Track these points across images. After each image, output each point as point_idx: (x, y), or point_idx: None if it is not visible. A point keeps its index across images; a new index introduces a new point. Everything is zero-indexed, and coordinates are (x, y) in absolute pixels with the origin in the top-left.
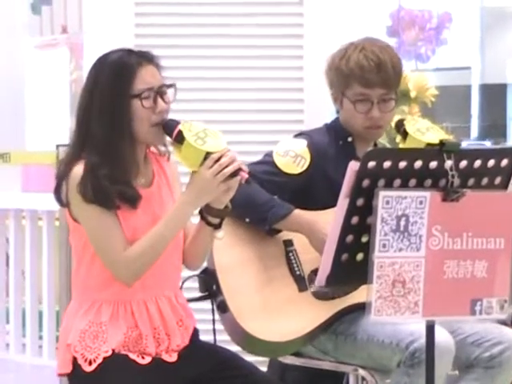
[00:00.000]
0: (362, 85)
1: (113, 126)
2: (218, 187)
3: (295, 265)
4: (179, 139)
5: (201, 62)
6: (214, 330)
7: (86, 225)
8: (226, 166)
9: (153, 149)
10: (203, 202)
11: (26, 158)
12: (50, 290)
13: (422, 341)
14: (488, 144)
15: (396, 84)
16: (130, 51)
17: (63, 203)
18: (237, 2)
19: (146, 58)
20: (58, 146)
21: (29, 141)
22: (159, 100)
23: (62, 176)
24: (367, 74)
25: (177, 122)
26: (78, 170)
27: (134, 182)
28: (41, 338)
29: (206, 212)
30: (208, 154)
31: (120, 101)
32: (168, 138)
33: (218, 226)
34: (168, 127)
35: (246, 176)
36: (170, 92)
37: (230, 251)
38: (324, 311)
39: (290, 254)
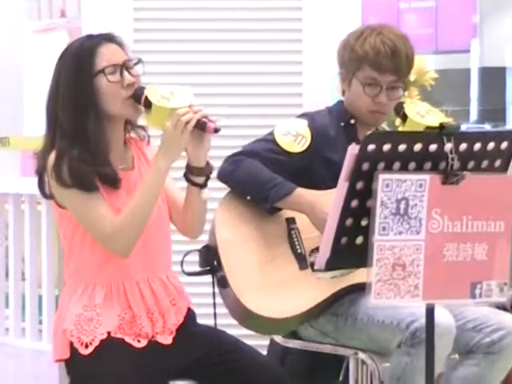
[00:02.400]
0: (374, 69)
1: (76, 107)
2: (182, 137)
3: (297, 243)
4: (147, 104)
5: (200, 46)
6: (215, 314)
7: (72, 208)
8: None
9: (133, 135)
10: (174, 156)
11: (24, 143)
12: (50, 275)
13: (423, 320)
14: (487, 127)
15: (406, 73)
16: (90, 35)
17: (47, 196)
18: None
19: (106, 37)
20: None
21: (27, 125)
22: (126, 74)
23: (41, 169)
24: (381, 58)
25: (143, 88)
26: (53, 158)
27: (113, 165)
28: (40, 322)
29: (188, 172)
30: (173, 111)
31: (82, 81)
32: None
33: (203, 186)
34: (137, 95)
35: (213, 126)
36: (138, 68)
37: (232, 228)
38: (324, 290)
39: (292, 232)
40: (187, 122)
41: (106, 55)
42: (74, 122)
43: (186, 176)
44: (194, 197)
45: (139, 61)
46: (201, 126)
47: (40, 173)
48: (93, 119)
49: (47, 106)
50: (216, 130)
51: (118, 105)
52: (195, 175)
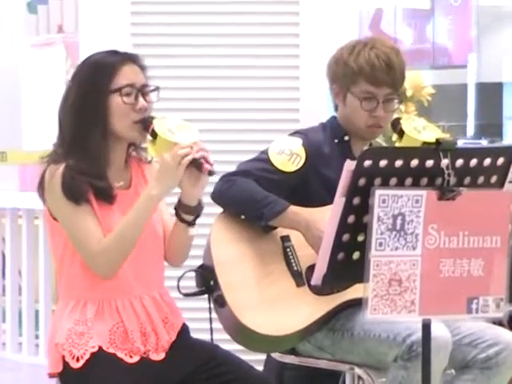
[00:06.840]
0: (370, 83)
1: (83, 117)
2: (177, 170)
3: (292, 260)
4: (153, 134)
5: (197, 61)
6: (211, 329)
7: (61, 219)
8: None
9: (134, 154)
10: (166, 187)
11: (22, 158)
12: (47, 289)
13: (419, 334)
14: (484, 143)
15: (400, 85)
16: (114, 51)
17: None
18: (233, 1)
19: (130, 57)
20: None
21: (25, 140)
22: (140, 98)
23: (42, 175)
24: (377, 72)
25: (152, 118)
26: (52, 168)
27: (110, 181)
28: (37, 337)
29: (178, 208)
30: (175, 145)
31: (96, 94)
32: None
33: (191, 224)
34: (145, 124)
35: (209, 168)
36: (153, 95)
37: (228, 247)
38: (321, 306)
39: (288, 250)
40: (184, 157)
41: (127, 74)
42: (78, 131)
43: (175, 210)
44: (180, 232)
45: (156, 88)
46: (197, 165)
47: (41, 178)
48: (98, 134)
49: (58, 116)
50: (210, 173)
51: (125, 126)
52: (185, 212)
